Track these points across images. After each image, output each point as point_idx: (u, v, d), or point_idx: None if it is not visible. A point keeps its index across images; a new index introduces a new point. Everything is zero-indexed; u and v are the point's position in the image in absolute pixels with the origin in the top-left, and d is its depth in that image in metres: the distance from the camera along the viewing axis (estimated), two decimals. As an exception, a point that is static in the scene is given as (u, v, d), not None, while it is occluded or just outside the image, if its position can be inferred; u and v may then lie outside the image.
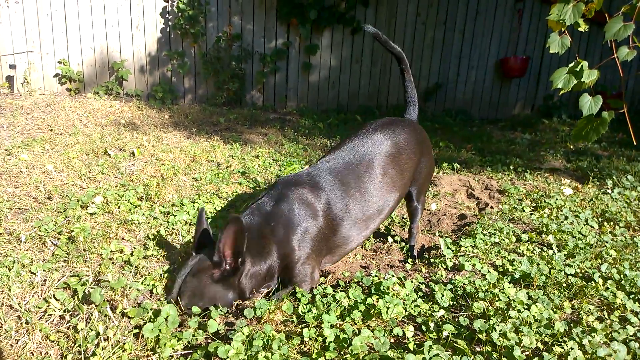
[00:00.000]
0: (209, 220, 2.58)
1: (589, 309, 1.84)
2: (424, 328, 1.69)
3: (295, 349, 1.56)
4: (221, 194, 3.11)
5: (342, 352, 1.52)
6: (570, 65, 3.03)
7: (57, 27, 6.14)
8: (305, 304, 1.79)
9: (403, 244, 2.60)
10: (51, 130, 4.29)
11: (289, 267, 1.92)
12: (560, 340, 1.61)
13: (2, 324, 1.60)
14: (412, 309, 1.81)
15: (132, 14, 6.31)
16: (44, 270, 1.93)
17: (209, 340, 1.58)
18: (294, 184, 2.02)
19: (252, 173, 3.60)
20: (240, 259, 1.75)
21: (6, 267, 1.92)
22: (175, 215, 2.65)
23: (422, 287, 2.01)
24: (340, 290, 1.88)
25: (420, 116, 6.89)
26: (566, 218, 2.91)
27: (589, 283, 2.02)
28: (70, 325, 1.62)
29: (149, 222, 2.55)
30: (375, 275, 2.05)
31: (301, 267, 1.92)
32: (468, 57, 7.18)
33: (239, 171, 3.63)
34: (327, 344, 1.54)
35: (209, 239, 1.89)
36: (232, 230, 1.69)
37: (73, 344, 1.52)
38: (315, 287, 1.92)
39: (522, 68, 7.02)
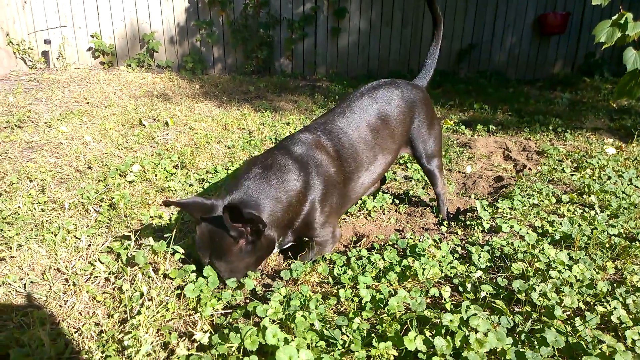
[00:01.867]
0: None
1: (633, 269, 1.78)
2: (460, 289, 1.68)
3: (332, 309, 1.57)
4: (254, 160, 3.13)
5: (378, 312, 1.52)
6: (614, 17, 2.86)
7: (88, 1, 6.19)
8: (340, 266, 1.81)
9: (435, 207, 2.57)
10: (87, 102, 4.38)
11: (311, 224, 1.89)
12: (603, 300, 1.57)
13: (50, 286, 1.68)
14: (448, 270, 1.79)
15: (160, -16, 6.29)
16: (88, 236, 2.00)
17: (248, 301, 1.62)
18: (306, 135, 2.01)
19: (284, 140, 3.60)
20: (256, 222, 1.65)
21: (52, 233, 2.00)
22: (209, 182, 2.69)
23: (459, 249, 1.99)
24: (376, 253, 1.88)
25: (454, 78, 6.72)
26: (609, 178, 2.80)
27: (633, 243, 1.95)
28: (115, 287, 1.68)
29: (184, 189, 2.60)
30: (410, 238, 2.04)
31: (324, 225, 1.91)
32: (504, 16, 6.87)
33: (270, 138, 3.64)
34: (363, 304, 1.55)
35: (202, 207, 1.72)
36: (228, 215, 1.56)
37: (119, 304, 1.58)
38: (350, 250, 1.93)
39: (562, 24, 6.68)
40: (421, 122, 2.32)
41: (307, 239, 1.96)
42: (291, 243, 1.96)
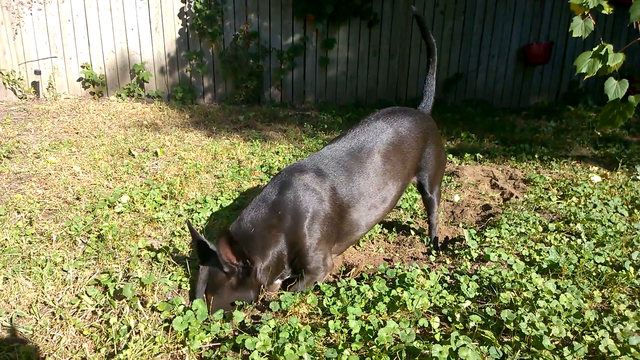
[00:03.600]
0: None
1: (620, 297, 1.80)
2: (450, 319, 1.68)
3: (321, 340, 1.57)
4: (243, 190, 3.14)
5: (367, 344, 1.52)
6: (595, 49, 2.95)
7: (78, 32, 6.27)
8: (329, 297, 1.80)
9: (426, 236, 2.59)
10: (77, 133, 4.39)
11: (300, 254, 1.92)
12: (591, 329, 1.58)
13: (37, 320, 1.65)
14: (437, 300, 1.80)
15: (151, 16, 6.40)
16: (75, 268, 1.98)
17: (237, 333, 1.60)
18: (298, 171, 2.02)
19: (273, 169, 3.62)
20: (248, 259, 1.77)
21: (39, 265, 1.98)
22: (199, 212, 2.68)
23: (447, 278, 2.00)
24: (365, 283, 1.89)
25: (441, 107, 6.85)
26: (595, 206, 2.85)
27: (620, 271, 1.98)
28: (102, 320, 1.66)
29: (173, 220, 2.59)
30: (399, 268, 2.04)
31: (313, 254, 1.93)
32: (489, 46, 7.06)
33: (259, 167, 3.66)
34: (352, 335, 1.55)
35: (208, 247, 1.80)
36: (224, 241, 1.70)
37: (106, 338, 1.56)
38: (339, 280, 1.93)
39: (545, 54, 6.87)
40: (432, 150, 2.36)
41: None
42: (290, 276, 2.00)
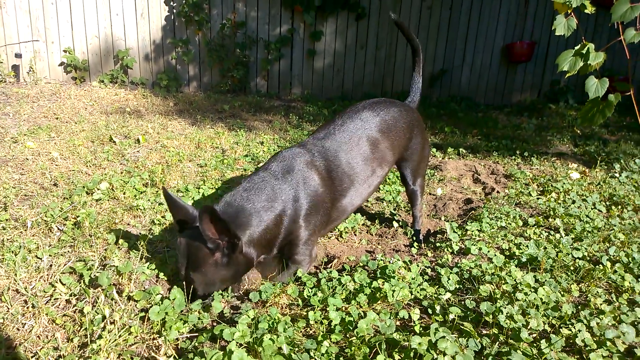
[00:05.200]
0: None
1: (597, 291, 1.82)
2: (430, 311, 1.68)
3: (301, 331, 1.55)
4: (226, 179, 3.10)
5: (347, 335, 1.51)
6: (577, 47, 2.98)
7: (62, 15, 6.12)
8: (310, 288, 1.79)
9: (409, 228, 2.59)
10: (57, 118, 4.29)
11: (293, 242, 1.91)
12: (568, 322, 1.60)
13: (8, 308, 1.61)
14: (418, 292, 1.80)
15: (137, 2, 6.28)
16: (50, 255, 1.94)
17: (215, 323, 1.58)
18: (300, 155, 2.00)
19: (257, 159, 3.59)
20: (231, 235, 1.67)
21: (12, 252, 1.93)
22: (180, 201, 2.64)
23: (428, 270, 2.01)
24: (346, 274, 1.88)
25: (426, 102, 6.86)
26: (573, 202, 2.88)
27: (597, 266, 2.00)
28: (76, 309, 1.63)
29: (154, 208, 2.55)
30: (381, 259, 2.04)
31: (304, 245, 1.92)
32: (473, 43, 7.09)
33: (243, 157, 3.62)
34: (332, 326, 1.54)
35: (186, 213, 1.76)
36: (207, 218, 1.60)
37: (79, 328, 1.52)
38: (320, 271, 1.92)
39: (528, 53, 6.94)
40: (417, 142, 2.38)
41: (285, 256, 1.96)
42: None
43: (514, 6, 6.96)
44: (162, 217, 2.44)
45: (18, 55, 6.03)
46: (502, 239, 2.32)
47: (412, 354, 1.35)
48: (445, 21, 6.95)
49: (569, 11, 2.94)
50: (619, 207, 2.83)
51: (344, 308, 1.65)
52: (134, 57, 6.41)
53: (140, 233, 2.26)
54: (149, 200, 2.62)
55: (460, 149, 4.24)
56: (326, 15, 6.67)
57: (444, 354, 1.34)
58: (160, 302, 1.61)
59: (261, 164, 2.95)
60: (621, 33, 2.80)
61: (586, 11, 2.93)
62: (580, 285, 1.88)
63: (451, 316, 1.60)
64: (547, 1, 6.88)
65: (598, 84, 2.96)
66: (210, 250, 1.67)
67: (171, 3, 6.35)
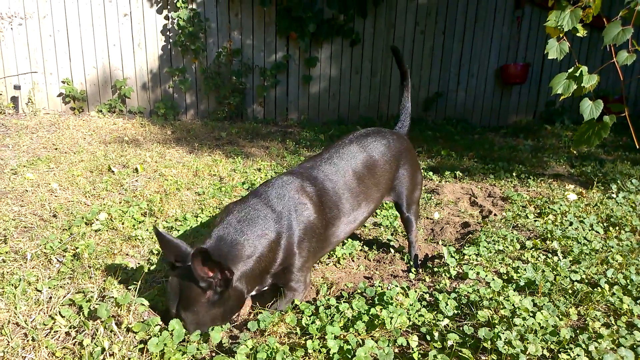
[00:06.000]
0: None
1: (596, 315, 1.83)
2: (428, 338, 1.69)
3: (300, 361, 1.55)
4: (223, 208, 3.12)
5: (346, 364, 1.51)
6: (570, 70, 3.04)
7: (60, 47, 6.23)
8: (308, 316, 1.79)
9: (406, 253, 2.60)
10: (56, 149, 4.33)
11: (288, 270, 1.90)
12: (567, 347, 1.60)
13: (8, 342, 1.61)
14: (416, 318, 1.80)
15: (134, 32, 6.40)
16: (49, 288, 1.94)
17: (213, 354, 1.58)
18: (292, 184, 2.00)
19: (255, 186, 3.61)
20: (224, 271, 1.65)
21: (12, 285, 1.93)
22: (178, 230, 2.66)
23: (426, 296, 2.01)
24: (344, 301, 1.88)
25: (421, 125, 6.94)
26: (571, 224, 2.90)
27: (595, 289, 2.01)
28: (76, 342, 1.62)
29: (152, 238, 2.56)
30: (379, 286, 2.05)
31: (299, 273, 1.92)
32: (468, 65, 7.21)
33: (241, 184, 3.65)
34: (331, 355, 1.54)
35: (178, 250, 1.74)
36: (199, 262, 1.59)
37: (78, 361, 1.52)
38: (318, 298, 1.92)
39: (522, 74, 7.05)
40: (406, 171, 2.40)
41: (281, 285, 1.95)
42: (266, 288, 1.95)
43: (506, 28, 7.10)
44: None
45: (17, 87, 6.11)
46: (499, 262, 2.33)
47: (411, 383, 1.35)
48: (439, 45, 7.08)
49: (561, 35, 3.00)
50: (617, 228, 2.84)
51: (342, 336, 1.65)
52: (131, 87, 6.50)
53: (138, 263, 2.26)
54: (147, 230, 2.64)
55: (457, 172, 4.27)
56: (321, 42, 6.80)
57: (443, 382, 1.34)
58: (159, 334, 1.61)
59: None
60: (614, 55, 2.86)
61: (578, 34, 3.00)
62: (578, 309, 1.89)
63: (449, 342, 1.60)
64: (539, 23, 7.03)
65: (593, 106, 3.00)
66: (202, 289, 1.65)
67: (167, 33, 6.47)
